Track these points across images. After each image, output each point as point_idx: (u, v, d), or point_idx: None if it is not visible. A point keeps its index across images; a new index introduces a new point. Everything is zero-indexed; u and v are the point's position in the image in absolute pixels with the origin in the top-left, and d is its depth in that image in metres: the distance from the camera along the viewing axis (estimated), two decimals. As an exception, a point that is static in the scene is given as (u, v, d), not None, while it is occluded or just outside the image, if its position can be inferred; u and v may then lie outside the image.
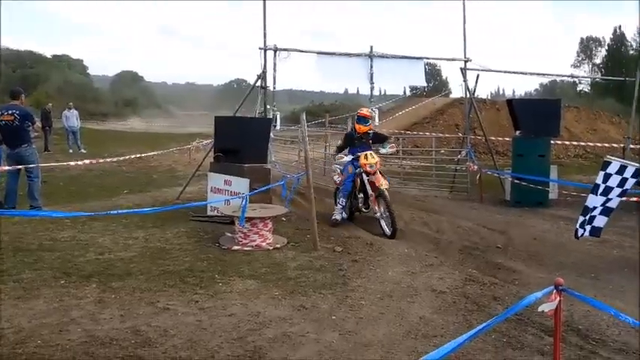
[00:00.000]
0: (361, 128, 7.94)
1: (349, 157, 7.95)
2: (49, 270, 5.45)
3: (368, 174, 7.54)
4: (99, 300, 4.64)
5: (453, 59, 11.46)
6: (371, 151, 7.72)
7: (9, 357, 3.57)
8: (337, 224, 7.77)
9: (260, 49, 9.87)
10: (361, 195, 7.79)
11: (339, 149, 8.39)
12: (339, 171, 8.14)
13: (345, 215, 7.94)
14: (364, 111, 8.13)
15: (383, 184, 7.38)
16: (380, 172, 7.63)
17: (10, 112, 8.38)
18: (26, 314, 4.28)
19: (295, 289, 5.04)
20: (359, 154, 7.69)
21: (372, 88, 11.07)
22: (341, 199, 7.86)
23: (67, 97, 32.99)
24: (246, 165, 8.04)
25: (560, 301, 2.76)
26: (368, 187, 7.56)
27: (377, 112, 11.59)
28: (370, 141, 8.01)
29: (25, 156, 8.46)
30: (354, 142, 8.01)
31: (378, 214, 7.48)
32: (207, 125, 20.51)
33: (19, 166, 8.34)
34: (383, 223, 7.40)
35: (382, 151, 8.08)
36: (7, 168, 8.33)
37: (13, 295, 4.69)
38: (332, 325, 4.19)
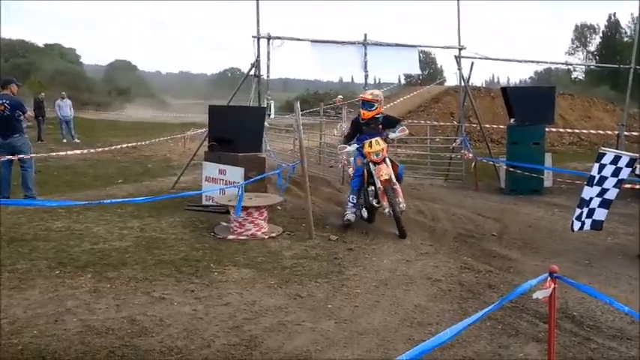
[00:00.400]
0: (365, 114, 7.19)
1: (353, 147, 7.20)
2: (44, 260, 5.45)
3: (375, 163, 6.84)
4: (94, 290, 4.64)
5: (448, 47, 11.38)
6: (377, 138, 6.95)
7: (4, 347, 3.56)
8: (349, 225, 7.08)
9: (253, 37, 9.74)
10: (371, 188, 6.90)
11: (347, 138, 7.53)
12: (352, 163, 7.40)
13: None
14: (366, 95, 7.29)
15: (383, 174, 6.69)
16: (390, 160, 7.00)
17: (0, 101, 8.30)
18: (21, 304, 4.28)
19: (291, 277, 5.05)
20: (364, 141, 7.03)
21: (366, 77, 10.92)
22: (351, 196, 7.11)
23: (60, 87, 32.72)
24: (240, 154, 8.02)
25: (554, 288, 2.77)
26: (376, 178, 6.78)
27: None
28: (380, 126, 7.22)
29: (17, 146, 8.40)
30: (362, 129, 7.25)
31: (386, 211, 6.69)
32: (201, 114, 20.39)
33: (12, 157, 8.27)
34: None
35: (392, 135, 7.23)
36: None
37: (8, 286, 4.69)
38: (328, 314, 4.21)
